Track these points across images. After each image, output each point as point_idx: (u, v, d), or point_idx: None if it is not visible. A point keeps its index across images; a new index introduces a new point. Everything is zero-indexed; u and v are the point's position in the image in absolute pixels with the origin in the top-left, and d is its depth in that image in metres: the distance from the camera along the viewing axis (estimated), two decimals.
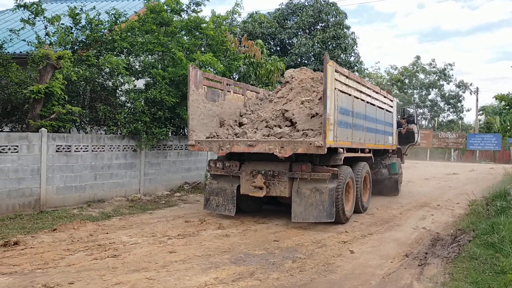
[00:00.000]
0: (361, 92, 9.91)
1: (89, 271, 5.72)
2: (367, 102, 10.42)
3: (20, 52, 13.92)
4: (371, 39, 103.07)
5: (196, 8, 14.38)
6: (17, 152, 9.14)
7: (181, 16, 14.41)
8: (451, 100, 51.58)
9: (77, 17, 12.46)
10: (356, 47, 28.81)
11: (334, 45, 26.89)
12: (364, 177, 10.54)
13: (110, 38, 12.53)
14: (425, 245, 7.70)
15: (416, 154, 42.86)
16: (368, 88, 10.56)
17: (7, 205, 8.99)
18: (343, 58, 27.43)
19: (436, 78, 51.84)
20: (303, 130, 8.83)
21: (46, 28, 12.09)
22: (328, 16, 28.05)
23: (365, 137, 10.29)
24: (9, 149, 9.02)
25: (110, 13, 13.03)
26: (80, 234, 7.70)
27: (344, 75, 8.84)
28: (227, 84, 10.98)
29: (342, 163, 8.80)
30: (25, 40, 12.53)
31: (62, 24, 12.33)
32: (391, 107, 13.16)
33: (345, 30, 28.04)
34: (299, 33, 28.32)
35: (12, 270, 5.65)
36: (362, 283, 5.67)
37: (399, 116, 15.26)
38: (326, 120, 7.83)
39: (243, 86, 11.83)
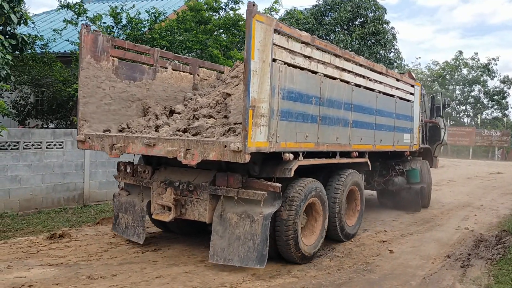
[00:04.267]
0: (342, 69, 6.85)
1: (130, 264, 5.87)
2: (356, 85, 7.24)
3: (64, 51, 14.41)
4: (412, 34, 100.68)
5: (234, 6, 14.48)
6: (62, 148, 9.47)
7: (219, 14, 14.54)
8: (495, 97, 49.71)
9: (118, 16, 12.78)
10: (396, 42, 28.21)
11: (373, 41, 26.45)
12: (350, 191, 7.48)
13: (150, 36, 12.79)
14: (467, 246, 7.48)
15: (458, 152, 41.67)
16: (357, 64, 7.35)
17: (52, 199, 9.34)
18: (383, 54, 26.94)
19: (479, 73, 50.08)
20: (234, 123, 6.05)
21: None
22: (367, 11, 27.58)
23: (351, 135, 7.17)
24: (55, 145, 9.36)
25: (150, 12, 13.30)
26: None
27: (301, 42, 5.93)
28: (161, 57, 7.86)
29: (292, 174, 5.74)
30: (68, 40, 12.98)
31: (104, 23, 12.68)
32: (411, 94, 9.78)
33: (385, 25, 27.51)
34: (336, 29, 28.01)
35: (58, 262, 5.86)
36: (402, 283, 5.57)
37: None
38: (248, 110, 4.93)
39: (193, 61, 8.56)
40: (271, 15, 19.62)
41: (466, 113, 53.17)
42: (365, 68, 7.63)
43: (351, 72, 7.14)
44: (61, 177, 9.47)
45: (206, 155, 5.28)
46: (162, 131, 6.44)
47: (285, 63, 5.56)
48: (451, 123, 47.86)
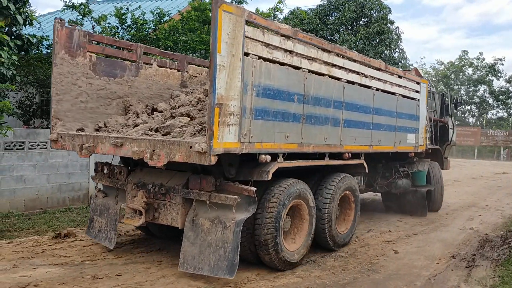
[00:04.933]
0: (331, 65, 6.41)
1: (135, 263, 5.89)
2: (349, 82, 6.78)
3: None
4: (417, 34, 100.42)
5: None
6: None
7: None
8: (501, 97, 49.49)
9: (123, 17, 12.82)
10: (401, 42, 28.15)
11: (377, 40, 26.41)
12: (343, 196, 7.04)
13: (155, 37, 12.81)
14: (473, 246, 7.45)
15: (463, 152, 41.49)
16: (350, 59, 6.90)
17: (58, 199, 9.39)
18: (387, 54, 26.88)
19: (485, 73, 49.87)
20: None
21: (93, 28, 12.52)
22: (372, 11, 27.53)
23: (343, 135, 6.71)
24: None
25: (155, 13, 13.33)
26: (126, 228, 7.93)
27: (281, 35, 5.49)
28: (144, 53, 7.52)
29: (269, 177, 5.31)
30: None
31: (109, 23, 12.72)
32: (416, 92, 9.30)
33: (389, 25, 27.46)
34: (341, 29, 27.96)
35: (63, 261, 5.89)
36: (407, 284, 5.56)
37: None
38: (214, 108, 4.55)
39: (182, 58, 8.20)
40: (275, 15, 19.65)
41: (471, 113, 53.01)
42: (360, 64, 7.15)
43: (343, 68, 6.67)
44: (66, 177, 9.51)
45: (172, 156, 4.91)
46: (132, 131, 6.07)
47: (260, 57, 5.15)
48: (457, 123, 47.66)
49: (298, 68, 5.74)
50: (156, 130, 5.86)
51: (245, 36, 4.88)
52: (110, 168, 6.44)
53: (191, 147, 4.72)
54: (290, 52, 5.63)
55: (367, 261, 6.45)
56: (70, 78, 6.45)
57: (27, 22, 9.77)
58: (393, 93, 8.29)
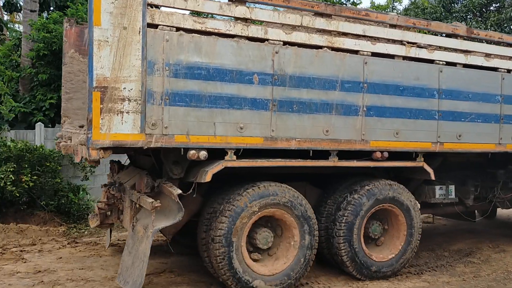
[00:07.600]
0: (334, 33, 4.95)
1: None
2: (377, 55, 5.17)
3: None
4: None
5: (355, 1, 14.28)
6: None
7: None
8: None
9: None
10: None
11: (511, 27, 24.04)
12: (384, 211, 5.47)
13: None
14: None
15: None
16: (385, 24, 5.31)
17: None
18: None
19: None
20: None
21: None
22: None
23: (367, 127, 5.08)
24: None
25: None
26: None
27: None
28: None
29: (207, 179, 4.33)
30: None
31: None
32: None
33: None
34: (468, 16, 25.96)
35: (191, 252, 6.23)
36: None
37: None
38: (91, 93, 3.86)
39: None
40: (394, 6, 18.80)
41: None
42: (404, 29, 5.41)
43: (363, 36, 5.10)
44: None
45: (81, 151, 4.34)
46: None
47: (179, 29, 4.20)
48: None
49: (261, 40, 4.58)
50: None
51: (148, 4, 4.06)
52: (118, 165, 6.14)
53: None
54: (245, 20, 4.53)
55: (503, 268, 5.94)
56: (82, 76, 6.24)
57: None
58: (494, 69, 6.04)
